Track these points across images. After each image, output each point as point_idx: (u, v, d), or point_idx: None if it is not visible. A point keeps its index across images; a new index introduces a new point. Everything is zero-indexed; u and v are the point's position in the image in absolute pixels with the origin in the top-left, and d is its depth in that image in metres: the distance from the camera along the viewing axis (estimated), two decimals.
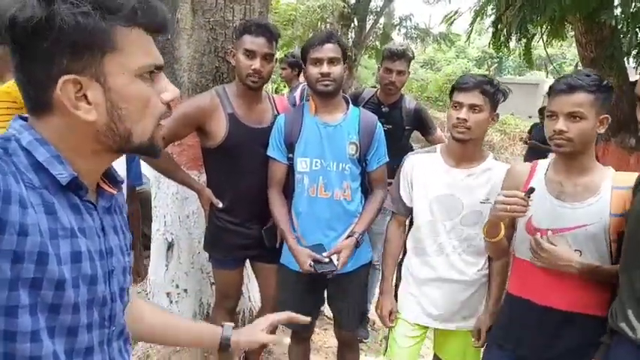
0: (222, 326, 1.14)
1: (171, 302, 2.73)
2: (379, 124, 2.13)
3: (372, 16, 12.86)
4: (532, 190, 1.50)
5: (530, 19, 3.96)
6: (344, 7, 11.66)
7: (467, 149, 1.89)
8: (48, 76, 0.70)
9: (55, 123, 0.74)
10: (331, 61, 1.98)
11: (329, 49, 1.98)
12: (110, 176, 0.88)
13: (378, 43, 12.91)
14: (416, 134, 3.08)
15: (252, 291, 2.97)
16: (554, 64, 6.81)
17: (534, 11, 3.93)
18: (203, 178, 2.41)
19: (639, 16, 3.74)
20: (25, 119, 0.76)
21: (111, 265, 0.83)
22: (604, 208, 1.54)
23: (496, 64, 24.84)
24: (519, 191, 1.55)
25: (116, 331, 0.86)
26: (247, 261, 2.42)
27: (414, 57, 2.83)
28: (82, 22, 0.68)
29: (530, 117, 16.37)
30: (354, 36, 12.22)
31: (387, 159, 2.14)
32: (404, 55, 2.75)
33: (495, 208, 1.54)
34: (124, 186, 1.08)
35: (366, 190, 2.18)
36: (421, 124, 2.97)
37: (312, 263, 1.98)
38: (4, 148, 0.71)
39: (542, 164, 1.71)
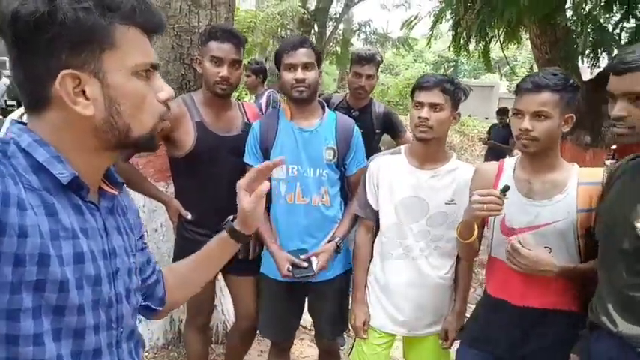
0: (223, 228, 1.08)
1: (140, 321, 2.61)
2: (357, 128, 2.11)
3: (331, 22, 12.95)
4: (507, 188, 1.50)
5: (489, 22, 4.06)
6: (304, 13, 11.69)
7: (430, 149, 1.88)
8: (47, 70, 0.71)
9: (53, 119, 0.74)
10: (305, 67, 1.95)
11: (302, 54, 1.95)
12: (111, 177, 0.89)
13: (338, 48, 13.01)
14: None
15: (225, 304, 2.89)
16: (507, 67, 7.08)
17: (492, 15, 4.03)
18: (171, 189, 2.32)
19: (592, 18, 3.90)
20: (23, 124, 0.76)
21: (115, 265, 0.83)
22: (571, 204, 1.57)
23: (452, 68, 25.51)
24: (493, 190, 1.55)
25: (125, 333, 0.86)
26: (219, 274, 2.35)
27: (382, 61, 2.84)
28: (82, 18, 0.69)
29: (486, 118, 16.83)
30: (314, 42, 12.26)
31: (366, 163, 2.12)
32: (373, 60, 2.76)
33: (471, 209, 1.53)
34: None
35: (346, 196, 2.15)
36: (391, 127, 2.99)
37: (290, 267, 1.96)
38: (3, 151, 0.72)
39: (509, 163, 1.72)
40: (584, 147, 4.83)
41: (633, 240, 1.27)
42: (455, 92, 1.82)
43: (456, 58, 24.63)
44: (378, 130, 2.93)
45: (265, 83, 4.46)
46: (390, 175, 1.95)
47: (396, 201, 1.93)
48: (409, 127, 1.96)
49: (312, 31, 12.42)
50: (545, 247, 1.58)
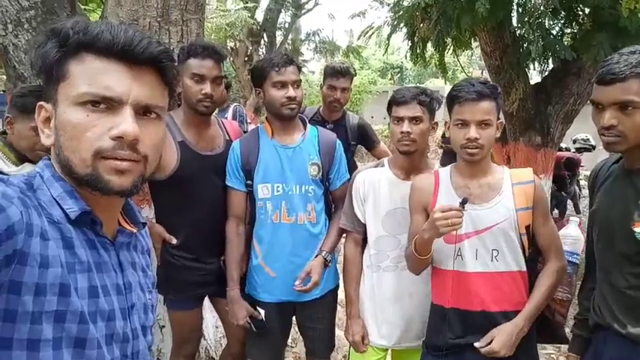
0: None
1: None
2: (339, 141, 2.11)
3: (280, 32, 12.95)
4: (465, 200, 1.52)
5: (446, 31, 4.19)
6: (253, 23, 11.61)
7: (413, 161, 1.92)
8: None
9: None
10: (295, 84, 1.94)
11: (292, 72, 1.94)
12: (132, 216, 0.89)
13: None
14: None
15: (206, 329, 2.78)
16: (449, 72, 7.36)
17: (448, 24, 4.15)
18: (152, 214, 2.21)
19: (540, 25, 4.11)
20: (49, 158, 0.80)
21: (130, 300, 0.83)
22: (509, 204, 1.63)
23: (398, 74, 26.19)
24: (453, 204, 1.55)
25: None
26: (205, 299, 2.27)
27: (356, 74, 2.86)
28: (43, 54, 0.74)
29: (435, 122, 17.39)
30: (264, 52, 12.20)
31: (349, 176, 2.11)
32: (347, 73, 2.79)
33: (435, 226, 1.51)
34: None
35: (329, 211, 2.13)
36: (365, 138, 3.01)
37: (249, 319, 2.00)
38: (29, 184, 0.74)
39: (444, 172, 1.76)
40: (535, 147, 5.08)
41: (633, 244, 1.32)
42: (430, 103, 1.86)
43: (400, 64, 25.36)
44: (353, 142, 2.95)
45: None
46: (376, 188, 1.96)
47: (382, 213, 1.94)
48: (391, 141, 1.97)
49: (262, 42, 12.36)
50: (492, 250, 1.63)
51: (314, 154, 2.02)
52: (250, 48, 12.09)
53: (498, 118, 1.64)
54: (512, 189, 1.64)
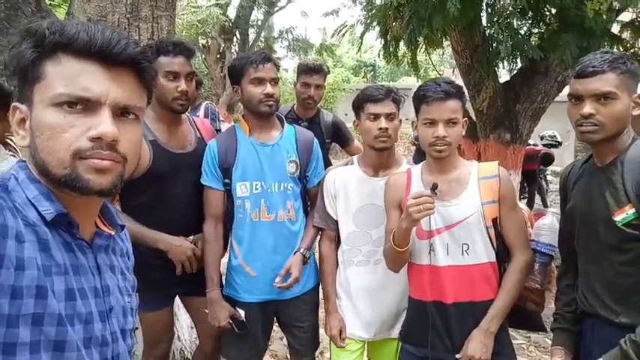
0: None
1: None
2: (316, 140, 2.12)
3: (253, 30, 12.86)
4: (436, 185, 1.56)
5: (419, 30, 4.24)
6: (225, 20, 11.49)
7: (385, 157, 1.94)
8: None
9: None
10: (273, 81, 1.93)
11: (270, 69, 1.93)
12: (110, 218, 0.88)
13: None
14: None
15: (181, 329, 2.75)
16: (421, 71, 7.46)
17: (420, 23, 4.20)
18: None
19: (508, 25, 4.20)
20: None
21: (108, 303, 0.82)
22: (476, 198, 1.68)
23: (371, 72, 26.36)
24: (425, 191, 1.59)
25: None
26: (176, 298, 2.24)
27: (329, 72, 2.86)
28: (19, 54, 0.73)
29: (406, 119, 17.59)
30: (237, 50, 12.10)
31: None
32: (321, 70, 2.79)
33: (409, 214, 1.55)
34: None
35: (306, 209, 2.14)
36: (339, 136, 3.02)
37: (230, 320, 1.98)
38: (4, 186, 0.73)
39: (415, 169, 1.81)
40: (505, 144, 5.20)
41: (617, 233, 1.39)
42: (399, 100, 1.91)
43: (373, 62, 25.53)
44: (328, 139, 2.95)
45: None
46: (346, 186, 1.99)
47: (353, 210, 1.97)
48: (364, 139, 1.97)
49: (235, 39, 12.25)
50: (463, 244, 1.67)
51: (292, 152, 2.02)
52: (222, 45, 11.96)
53: (463, 117, 1.69)
54: (478, 183, 1.69)
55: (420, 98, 1.66)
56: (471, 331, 1.66)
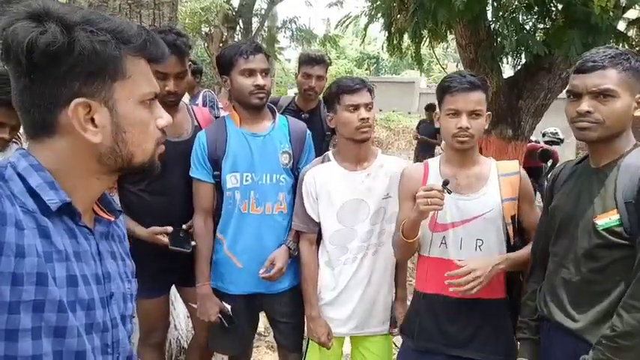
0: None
1: None
2: (308, 131, 2.10)
3: (257, 19, 12.77)
4: (447, 182, 1.55)
5: (423, 23, 4.20)
6: (228, 9, 11.41)
7: (363, 149, 1.92)
8: (58, 98, 0.74)
9: (57, 145, 0.77)
10: (264, 72, 1.91)
11: (261, 60, 1.91)
12: (108, 204, 0.90)
13: (264, 45, 12.85)
14: None
15: (177, 318, 2.75)
16: (425, 64, 7.44)
17: (425, 16, 4.16)
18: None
19: (514, 20, 4.16)
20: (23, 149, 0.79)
21: (109, 289, 0.84)
22: (496, 195, 1.67)
23: (374, 65, 26.25)
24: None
25: (121, 358, 0.86)
26: (172, 288, 2.26)
27: (331, 63, 2.83)
28: (98, 50, 0.73)
29: (409, 113, 17.51)
30: (240, 38, 12.03)
31: None
32: (322, 61, 2.76)
33: (418, 206, 1.54)
34: None
35: None
36: None
37: (220, 315, 1.99)
38: (0, 174, 0.73)
39: (433, 162, 1.79)
40: (506, 140, 5.18)
41: (594, 237, 1.35)
42: (372, 89, 1.91)
43: (376, 55, 25.41)
44: (328, 132, 2.91)
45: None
46: (328, 184, 1.94)
47: (337, 207, 1.93)
48: (343, 131, 1.92)
49: (238, 28, 12.17)
50: (477, 239, 1.66)
51: (285, 142, 2.00)
52: (226, 34, 11.90)
53: (487, 110, 1.67)
54: (498, 180, 1.68)
55: (445, 89, 1.64)
56: (474, 326, 1.66)
